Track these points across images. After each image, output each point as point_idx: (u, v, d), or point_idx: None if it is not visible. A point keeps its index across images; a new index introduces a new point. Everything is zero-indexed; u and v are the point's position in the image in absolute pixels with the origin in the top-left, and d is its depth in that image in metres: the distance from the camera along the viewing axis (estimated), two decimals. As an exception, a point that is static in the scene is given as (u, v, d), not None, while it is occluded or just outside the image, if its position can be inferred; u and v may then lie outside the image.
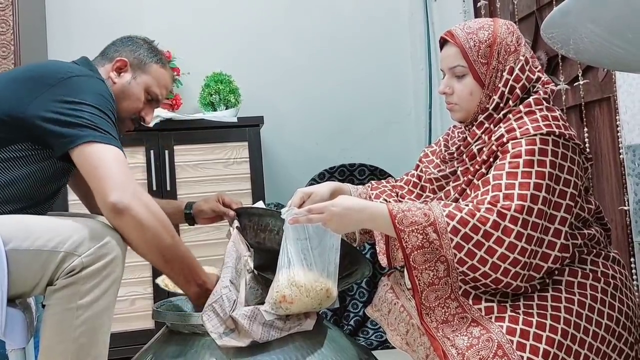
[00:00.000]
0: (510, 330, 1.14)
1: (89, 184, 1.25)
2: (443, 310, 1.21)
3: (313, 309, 1.34)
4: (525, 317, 1.16)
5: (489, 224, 1.16)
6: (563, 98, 1.97)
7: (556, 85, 1.96)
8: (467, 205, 1.20)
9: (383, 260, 1.35)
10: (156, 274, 2.37)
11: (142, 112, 1.55)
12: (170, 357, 1.34)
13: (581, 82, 1.87)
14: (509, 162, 1.22)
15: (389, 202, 1.29)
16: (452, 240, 1.17)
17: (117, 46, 1.56)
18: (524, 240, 1.16)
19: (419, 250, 1.21)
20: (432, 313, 1.21)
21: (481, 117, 1.34)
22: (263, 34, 2.96)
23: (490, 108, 1.32)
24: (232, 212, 1.59)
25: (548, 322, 1.15)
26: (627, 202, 1.69)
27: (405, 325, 1.34)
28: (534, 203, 1.17)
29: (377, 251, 1.37)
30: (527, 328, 1.14)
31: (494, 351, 1.12)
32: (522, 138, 1.24)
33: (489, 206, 1.18)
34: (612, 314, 1.21)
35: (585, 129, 1.88)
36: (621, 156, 1.71)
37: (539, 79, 1.34)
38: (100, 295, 1.20)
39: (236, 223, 1.54)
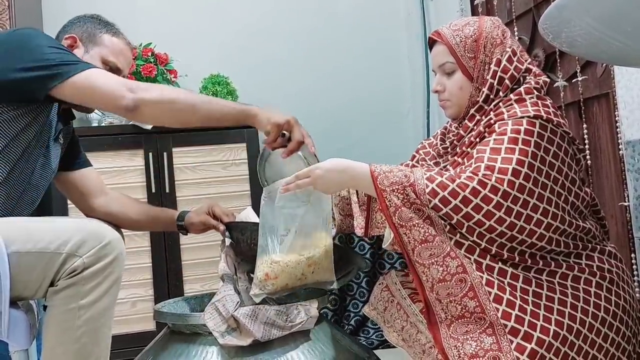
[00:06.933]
0: (505, 315, 1.15)
1: (95, 107, 1.37)
2: (441, 269, 1.20)
3: (303, 276, 1.35)
4: (521, 303, 1.17)
5: (468, 190, 1.18)
6: (561, 95, 1.97)
7: (554, 82, 1.97)
8: (448, 172, 1.24)
9: (361, 230, 1.39)
10: (157, 276, 2.37)
11: None
12: (172, 357, 1.34)
13: (580, 79, 1.87)
14: (494, 140, 1.24)
15: (370, 163, 1.30)
16: (430, 201, 1.20)
17: (66, 27, 1.56)
18: (502, 211, 1.18)
19: (402, 208, 1.22)
20: (428, 271, 1.21)
21: (472, 110, 1.35)
22: (260, 35, 2.95)
23: (481, 100, 1.34)
24: (222, 227, 1.58)
25: (541, 312, 1.17)
26: (627, 198, 1.69)
27: (401, 322, 1.35)
28: (516, 177, 1.19)
29: (355, 225, 1.39)
30: (522, 315, 1.15)
31: (483, 328, 1.16)
32: (509, 120, 1.26)
33: (470, 174, 1.21)
34: (609, 307, 1.21)
35: (585, 125, 1.89)
36: (620, 152, 1.71)
37: (528, 70, 1.35)
38: (102, 295, 1.20)
39: (228, 239, 1.53)
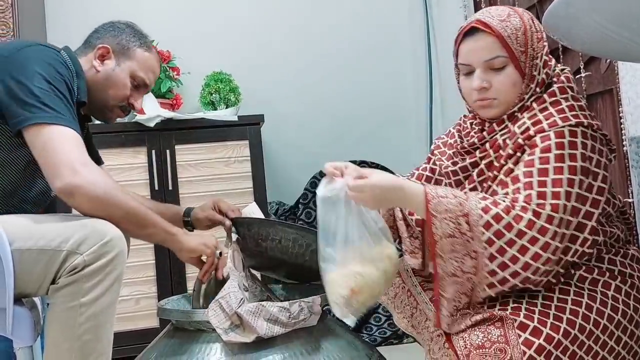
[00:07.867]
0: (515, 312, 1.15)
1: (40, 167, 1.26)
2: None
3: (382, 283, 1.24)
4: (528, 306, 1.17)
5: (522, 223, 1.12)
6: (565, 91, 1.96)
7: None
8: (503, 201, 1.16)
9: (417, 259, 1.36)
10: (160, 273, 2.38)
11: (131, 99, 1.51)
12: (175, 353, 1.34)
13: (583, 75, 1.86)
14: (539, 158, 1.17)
15: (425, 184, 1.23)
16: (483, 234, 1.14)
17: (99, 33, 1.53)
18: (557, 239, 1.13)
19: (448, 239, 1.16)
20: (447, 304, 1.19)
21: (515, 108, 1.27)
22: (262, 33, 2.95)
23: (526, 98, 1.26)
24: (228, 223, 1.57)
25: (552, 312, 1.15)
26: (631, 195, 1.69)
27: (411, 309, 1.35)
28: (568, 200, 1.14)
29: (405, 250, 1.37)
30: (531, 314, 1.15)
31: (492, 321, 1.15)
32: (550, 131, 1.19)
33: (524, 204, 1.14)
34: (627, 310, 1.18)
35: (588, 122, 1.88)
36: (625, 148, 1.71)
37: (554, 64, 1.30)
38: (103, 292, 1.20)
39: (234, 234, 1.52)
